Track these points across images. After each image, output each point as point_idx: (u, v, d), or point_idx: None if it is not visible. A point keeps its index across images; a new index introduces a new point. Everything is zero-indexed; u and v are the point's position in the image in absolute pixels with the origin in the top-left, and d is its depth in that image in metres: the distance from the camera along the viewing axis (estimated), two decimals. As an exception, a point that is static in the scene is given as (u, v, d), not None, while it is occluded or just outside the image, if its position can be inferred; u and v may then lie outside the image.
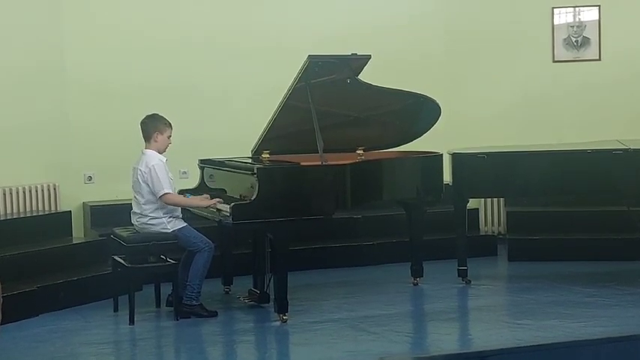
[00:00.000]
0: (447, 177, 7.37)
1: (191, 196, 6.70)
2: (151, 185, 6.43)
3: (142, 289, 7.02)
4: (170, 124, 6.59)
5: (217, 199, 6.45)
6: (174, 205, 6.54)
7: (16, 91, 7.88)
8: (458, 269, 7.41)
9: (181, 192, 6.80)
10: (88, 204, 8.19)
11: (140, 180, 6.47)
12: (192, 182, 7.31)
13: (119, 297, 6.61)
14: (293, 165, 6.43)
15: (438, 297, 7.06)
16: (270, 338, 6.17)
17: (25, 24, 7.95)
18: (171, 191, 6.46)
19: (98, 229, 7.83)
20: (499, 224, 9.28)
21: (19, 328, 6.29)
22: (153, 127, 6.54)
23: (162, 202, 6.43)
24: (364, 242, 8.38)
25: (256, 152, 6.85)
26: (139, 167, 6.49)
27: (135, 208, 6.57)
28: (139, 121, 6.62)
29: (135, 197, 6.56)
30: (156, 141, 6.54)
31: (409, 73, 8.38)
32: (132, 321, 6.34)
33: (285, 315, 6.24)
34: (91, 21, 8.28)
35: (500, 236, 9.02)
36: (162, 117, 6.60)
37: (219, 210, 6.40)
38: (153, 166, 6.44)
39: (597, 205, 8.36)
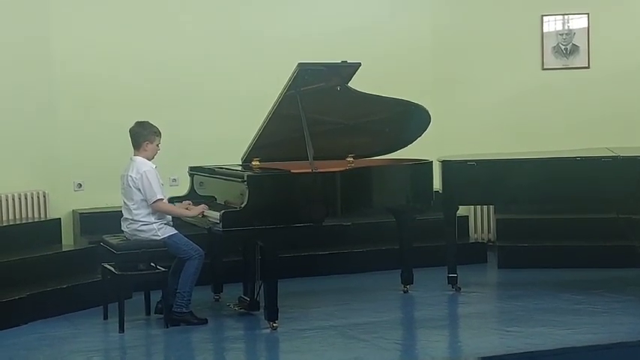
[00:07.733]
0: (437, 184, 7.38)
1: (177, 204, 6.70)
2: (142, 191, 6.42)
3: (131, 297, 6.99)
4: (159, 132, 6.59)
5: (203, 206, 6.48)
6: (164, 212, 6.53)
7: (5, 98, 7.85)
8: (448, 276, 7.43)
9: (170, 200, 6.78)
10: (77, 211, 8.18)
11: (132, 186, 6.45)
12: (182, 190, 7.31)
13: (109, 304, 6.59)
14: (283, 172, 6.43)
15: (428, 304, 7.06)
16: (260, 346, 6.16)
17: (11, 30, 7.91)
18: (164, 198, 6.47)
19: (88, 236, 7.82)
20: (489, 231, 9.30)
21: (8, 336, 6.27)
22: (143, 136, 6.53)
23: (154, 208, 6.43)
24: (354, 249, 8.38)
25: (246, 160, 6.86)
26: (130, 174, 6.48)
27: (125, 215, 6.56)
28: (128, 128, 6.62)
29: (125, 204, 6.55)
30: (145, 150, 6.54)
31: (398, 81, 8.40)
32: (122, 329, 6.32)
33: (275, 322, 6.23)
34: (80, 28, 8.27)
35: (490, 243, 9.04)
36: (151, 125, 6.59)
37: (204, 216, 6.40)
38: (145, 172, 6.43)
39: (586, 213, 8.39)
